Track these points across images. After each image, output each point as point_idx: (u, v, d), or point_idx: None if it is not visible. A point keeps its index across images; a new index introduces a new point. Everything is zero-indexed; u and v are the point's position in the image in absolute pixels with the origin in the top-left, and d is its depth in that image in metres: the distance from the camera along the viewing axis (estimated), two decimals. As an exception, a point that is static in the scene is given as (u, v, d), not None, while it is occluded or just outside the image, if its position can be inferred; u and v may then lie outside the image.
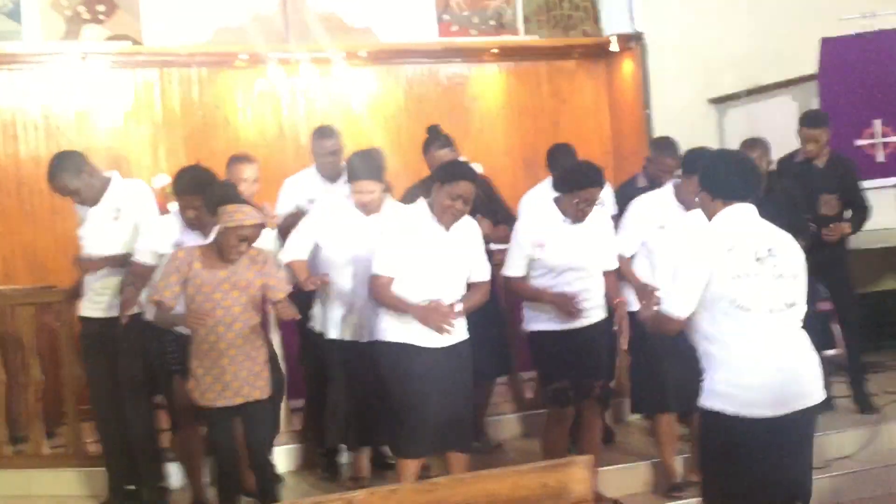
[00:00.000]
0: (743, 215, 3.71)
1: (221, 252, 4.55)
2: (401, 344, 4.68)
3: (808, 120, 6.48)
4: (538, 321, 5.09)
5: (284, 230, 5.46)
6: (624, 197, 5.90)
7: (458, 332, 4.76)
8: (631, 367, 5.56)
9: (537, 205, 5.34)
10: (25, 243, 7.89)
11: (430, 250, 4.66)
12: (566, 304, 4.92)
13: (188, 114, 8.48)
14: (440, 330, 4.59)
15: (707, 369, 3.73)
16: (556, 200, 5.05)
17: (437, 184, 4.68)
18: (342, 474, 5.71)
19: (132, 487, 5.49)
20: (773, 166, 6.38)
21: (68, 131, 8.03)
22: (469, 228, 4.84)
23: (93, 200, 5.32)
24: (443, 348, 4.69)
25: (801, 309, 3.72)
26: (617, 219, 5.57)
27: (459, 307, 4.69)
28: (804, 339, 3.72)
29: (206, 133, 8.42)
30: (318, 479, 5.71)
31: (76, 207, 5.44)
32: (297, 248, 5.21)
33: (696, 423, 5.15)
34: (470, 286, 4.83)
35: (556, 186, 5.09)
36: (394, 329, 4.70)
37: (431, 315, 4.59)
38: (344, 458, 5.81)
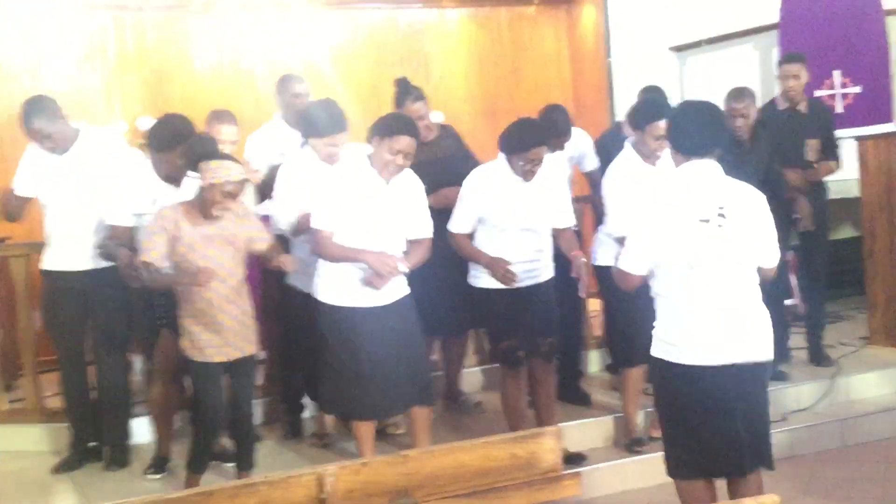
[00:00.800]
0: (698, 173, 3.70)
1: (204, 208, 4.46)
2: (338, 307, 4.62)
3: (788, 56, 6.54)
4: (482, 277, 5.02)
5: (262, 188, 5.39)
6: (610, 146, 5.80)
7: (397, 288, 4.70)
8: (606, 323, 5.58)
9: (491, 163, 5.24)
10: (-23, 192, 7.73)
11: (368, 203, 4.58)
12: (500, 271, 4.84)
13: (143, 60, 8.31)
14: (387, 275, 4.53)
15: (657, 319, 3.84)
16: (507, 160, 4.99)
17: (377, 138, 4.59)
18: (305, 431, 5.70)
19: (94, 444, 5.45)
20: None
21: (21, 78, 7.84)
22: (410, 184, 4.76)
23: (63, 148, 5.22)
24: (382, 307, 4.63)
25: (756, 264, 3.75)
26: (601, 170, 5.59)
27: (404, 267, 4.63)
28: (754, 296, 3.75)
29: (161, 79, 8.26)
30: (282, 436, 5.69)
31: (33, 156, 5.27)
32: (289, 210, 5.07)
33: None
34: (412, 244, 4.76)
35: (501, 147, 4.99)
36: (330, 290, 4.65)
37: (384, 259, 4.52)
38: (307, 412, 5.80)
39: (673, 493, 3.95)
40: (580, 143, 6.11)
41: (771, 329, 3.79)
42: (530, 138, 4.88)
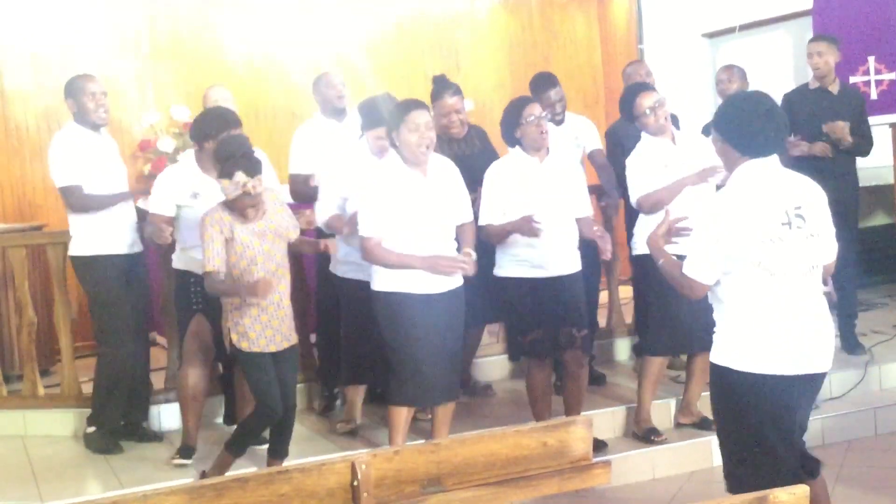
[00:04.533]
0: (766, 171, 3.46)
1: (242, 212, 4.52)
2: (395, 293, 4.65)
3: (816, 35, 6.67)
4: (507, 267, 5.03)
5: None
6: (620, 134, 5.95)
7: (453, 279, 4.73)
8: (638, 310, 5.61)
9: (505, 156, 5.27)
10: (14, 180, 7.84)
11: (412, 199, 4.60)
12: (526, 225, 4.79)
13: (176, 50, 8.38)
14: (451, 273, 4.59)
15: (720, 325, 3.58)
16: (518, 142, 5.02)
17: (395, 129, 4.61)
18: (336, 413, 5.76)
19: (92, 429, 5.52)
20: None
21: (55, 66, 7.92)
22: (447, 170, 4.80)
23: (104, 123, 5.39)
24: (438, 294, 4.66)
25: (821, 269, 3.52)
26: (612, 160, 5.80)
27: (473, 254, 4.67)
28: (823, 305, 3.54)
29: (194, 70, 8.31)
30: (316, 418, 5.76)
31: (68, 143, 5.31)
32: (328, 207, 5.16)
33: (696, 365, 5.33)
34: (459, 229, 4.79)
35: (505, 137, 5.08)
36: (387, 278, 4.67)
37: (439, 262, 4.57)
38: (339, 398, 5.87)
39: (702, 481, 3.96)
40: (583, 127, 6.19)
41: (833, 338, 3.60)
42: (519, 101, 5.05)
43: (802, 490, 2.49)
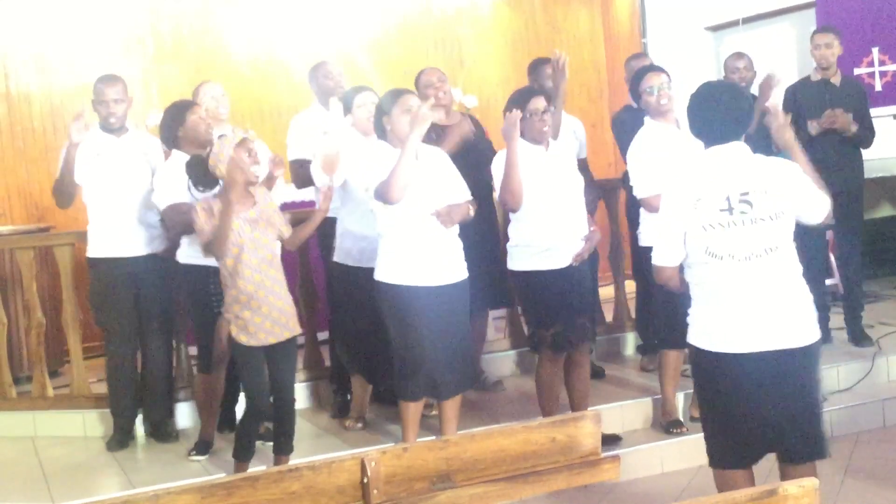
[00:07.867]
0: (721, 159, 3.58)
1: (240, 186, 4.48)
2: (395, 285, 4.68)
3: (821, 27, 6.64)
4: (522, 260, 5.02)
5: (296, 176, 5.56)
6: (627, 121, 5.89)
7: (458, 271, 4.77)
8: (642, 305, 5.59)
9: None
10: (20, 183, 7.86)
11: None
12: (513, 118, 4.83)
13: (180, 50, 8.39)
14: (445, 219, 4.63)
15: (691, 306, 3.75)
16: (525, 137, 5.01)
17: (385, 116, 4.70)
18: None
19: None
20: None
21: (59, 68, 7.94)
22: (437, 156, 4.84)
23: (119, 130, 5.42)
24: (440, 287, 4.68)
25: (787, 250, 3.61)
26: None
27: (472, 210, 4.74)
28: (791, 281, 3.62)
29: (198, 70, 8.30)
30: (330, 416, 5.76)
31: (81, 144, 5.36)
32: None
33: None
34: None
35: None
36: (392, 270, 4.69)
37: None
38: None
39: (711, 474, 3.95)
40: (579, 131, 6.23)
41: (814, 312, 3.65)
42: (524, 93, 5.09)
43: (811, 483, 2.49)
